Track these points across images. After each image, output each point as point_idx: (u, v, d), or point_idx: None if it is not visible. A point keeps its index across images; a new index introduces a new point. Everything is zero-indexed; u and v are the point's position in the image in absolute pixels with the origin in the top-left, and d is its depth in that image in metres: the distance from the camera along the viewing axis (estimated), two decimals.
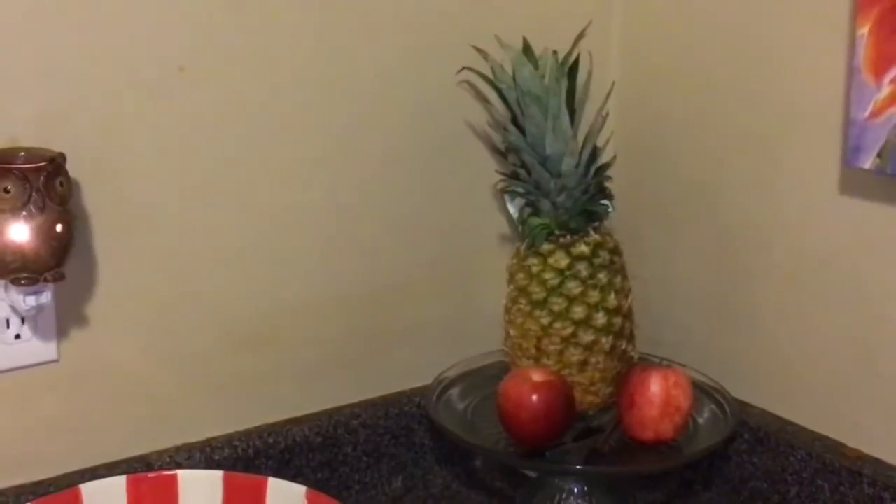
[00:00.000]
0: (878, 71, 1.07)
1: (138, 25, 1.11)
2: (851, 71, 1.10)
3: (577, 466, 1.19)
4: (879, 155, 1.09)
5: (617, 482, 1.26)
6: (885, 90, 1.07)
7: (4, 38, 1.05)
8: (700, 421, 1.26)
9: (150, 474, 1.12)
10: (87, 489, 1.07)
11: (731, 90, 1.28)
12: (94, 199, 1.11)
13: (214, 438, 1.22)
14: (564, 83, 1.21)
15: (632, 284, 1.29)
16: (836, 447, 1.20)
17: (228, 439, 1.22)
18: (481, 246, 1.37)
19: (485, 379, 1.31)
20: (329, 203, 1.27)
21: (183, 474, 1.12)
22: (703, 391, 1.29)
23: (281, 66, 1.21)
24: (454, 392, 1.32)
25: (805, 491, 1.21)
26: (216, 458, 1.20)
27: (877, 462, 1.16)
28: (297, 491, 1.10)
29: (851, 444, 1.20)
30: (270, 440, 1.24)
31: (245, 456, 1.22)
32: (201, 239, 1.20)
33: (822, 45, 1.15)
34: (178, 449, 1.20)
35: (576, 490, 1.24)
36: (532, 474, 1.29)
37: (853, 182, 1.15)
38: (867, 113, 1.09)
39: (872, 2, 1.07)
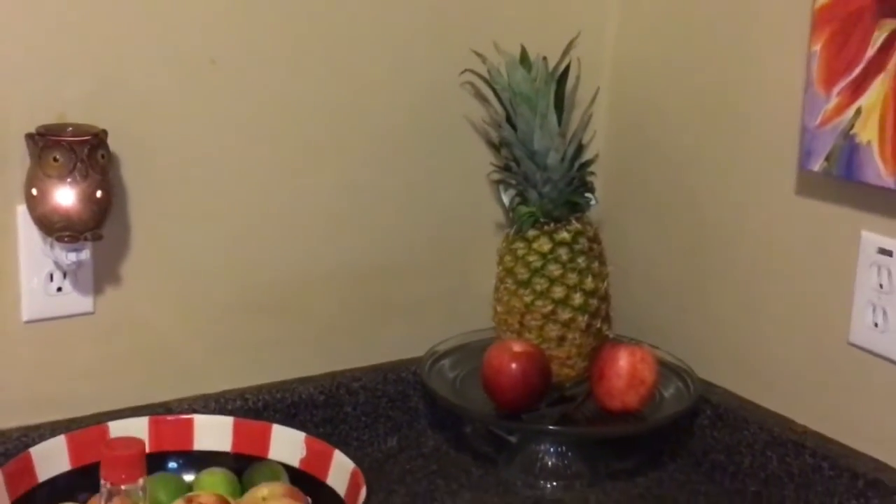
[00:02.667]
0: (828, 84, 1.20)
1: (176, 20, 1.26)
2: (806, 83, 1.23)
3: (550, 427, 1.33)
4: (827, 159, 1.22)
5: (588, 447, 1.39)
6: (833, 101, 1.20)
7: (56, 28, 1.20)
8: (666, 395, 1.40)
9: (170, 417, 1.27)
10: (115, 426, 1.22)
11: (708, 98, 1.41)
12: (132, 171, 1.26)
13: (228, 391, 1.37)
14: (553, 86, 1.35)
15: (614, 273, 1.43)
16: (785, 422, 1.33)
17: (241, 393, 1.37)
18: (477, 231, 1.50)
19: (474, 352, 1.44)
20: (340, 186, 1.41)
21: (198, 418, 1.27)
22: (671, 370, 1.42)
23: (301, 62, 1.35)
24: (446, 363, 1.46)
25: (756, 462, 1.34)
26: (229, 408, 1.34)
27: (819, 436, 1.29)
28: (298, 436, 1.24)
29: (800, 420, 1.32)
30: (278, 395, 1.38)
31: (255, 408, 1.36)
32: (225, 213, 1.34)
33: (789, 59, 1.28)
34: (195, 398, 1.34)
35: (551, 452, 1.38)
36: (513, 439, 1.42)
37: (807, 183, 1.28)
38: (818, 121, 1.22)
39: (824, 23, 1.20)
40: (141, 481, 0.91)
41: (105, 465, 0.89)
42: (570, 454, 1.38)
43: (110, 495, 0.90)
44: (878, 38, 1.14)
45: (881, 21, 1.14)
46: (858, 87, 1.17)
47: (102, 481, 0.90)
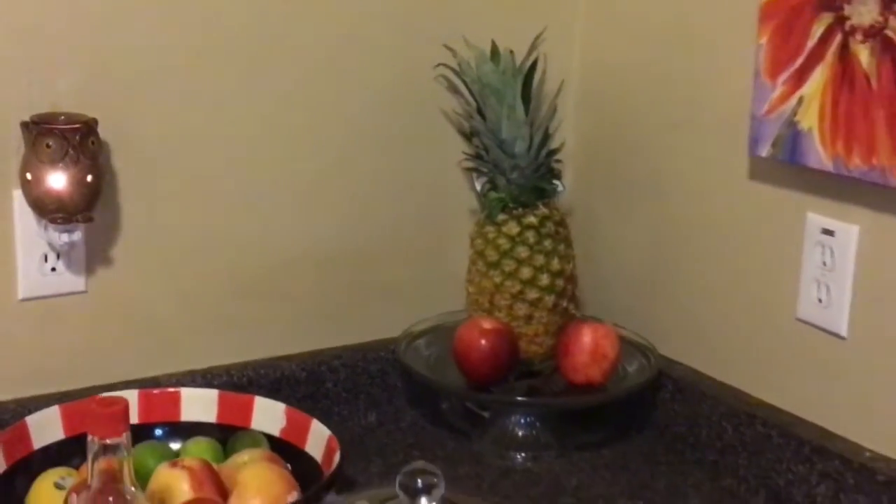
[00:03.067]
0: (773, 74, 1.28)
1: (164, 14, 1.34)
2: (754, 73, 1.31)
3: (518, 398, 1.41)
4: (774, 145, 1.29)
5: (555, 419, 1.47)
6: (779, 90, 1.28)
7: (49, 22, 1.28)
8: (630, 370, 1.48)
9: (157, 390, 1.35)
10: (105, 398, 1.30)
11: (669, 89, 1.48)
12: (121, 158, 1.35)
13: (215, 367, 1.45)
14: (520, 79, 1.43)
15: (581, 256, 1.51)
16: (739, 395, 1.41)
17: (227, 369, 1.45)
18: (451, 216, 1.58)
19: (448, 332, 1.51)
20: (321, 174, 1.49)
21: (185, 391, 1.35)
22: (635, 347, 1.50)
23: (281, 55, 1.43)
24: (421, 342, 1.53)
25: (714, 432, 1.41)
26: (215, 383, 1.42)
27: (769, 406, 1.37)
28: (279, 407, 1.32)
29: (752, 392, 1.40)
30: (262, 372, 1.46)
31: (240, 384, 1.44)
32: (210, 197, 1.42)
33: (740, 51, 1.35)
34: (183, 374, 1.42)
35: (521, 424, 1.45)
36: (486, 415, 1.50)
37: (757, 168, 1.36)
38: (765, 109, 1.30)
39: (770, 17, 1.28)
40: (124, 436, 0.98)
41: (91, 421, 0.97)
42: (538, 427, 1.46)
43: (96, 451, 0.98)
44: (818, 30, 1.22)
45: (820, 15, 1.21)
46: (801, 77, 1.25)
47: (89, 437, 0.98)
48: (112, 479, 0.98)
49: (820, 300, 1.29)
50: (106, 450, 0.97)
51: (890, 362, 1.23)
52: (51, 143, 1.23)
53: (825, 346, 1.30)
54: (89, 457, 0.98)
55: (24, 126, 1.25)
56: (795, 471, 1.31)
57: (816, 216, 1.29)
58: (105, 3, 1.31)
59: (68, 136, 1.24)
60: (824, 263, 1.28)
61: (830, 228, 1.28)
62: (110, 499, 0.98)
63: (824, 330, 1.30)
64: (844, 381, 1.29)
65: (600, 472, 1.42)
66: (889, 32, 1.15)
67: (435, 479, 1.00)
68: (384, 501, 1.01)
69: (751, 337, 1.40)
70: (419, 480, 1.00)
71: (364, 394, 1.55)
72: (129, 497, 0.99)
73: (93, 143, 1.26)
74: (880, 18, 1.15)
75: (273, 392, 1.44)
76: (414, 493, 0.99)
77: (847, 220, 1.26)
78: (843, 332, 1.28)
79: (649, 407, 1.50)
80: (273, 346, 1.49)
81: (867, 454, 1.25)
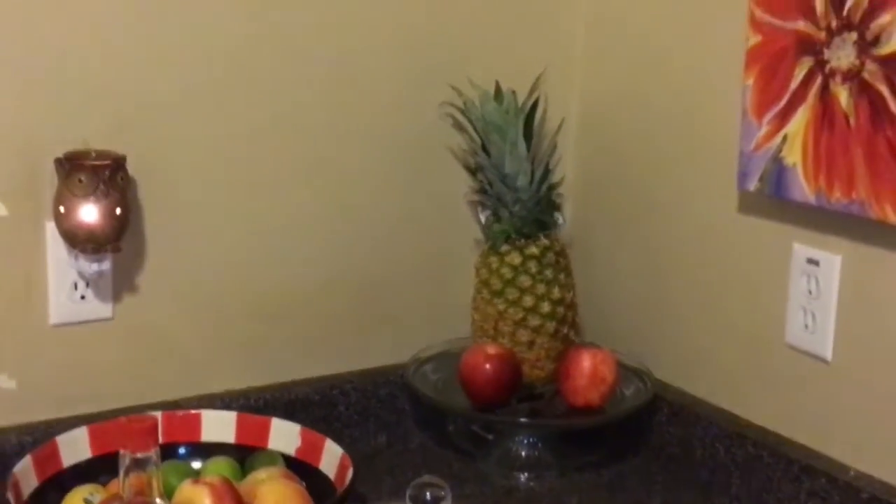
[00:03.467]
0: (759, 113, 1.36)
1: (187, 60, 1.43)
2: (742, 112, 1.39)
3: (521, 419, 1.48)
4: (761, 179, 1.37)
5: (556, 440, 1.53)
6: (764, 129, 1.35)
7: (81, 65, 1.37)
8: (627, 393, 1.54)
9: (180, 412, 1.42)
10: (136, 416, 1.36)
11: (663, 127, 1.56)
12: (148, 192, 1.43)
13: (233, 391, 1.52)
14: (522, 117, 1.51)
15: (580, 285, 1.59)
16: (731, 417, 1.47)
17: (244, 393, 1.52)
18: (457, 247, 1.66)
19: (454, 358, 1.57)
20: (335, 207, 1.57)
21: (206, 413, 1.42)
22: (631, 372, 1.57)
23: (300, 95, 1.51)
24: (429, 367, 1.60)
25: (707, 453, 1.48)
26: (233, 406, 1.48)
27: (759, 428, 1.44)
28: (294, 428, 1.39)
29: (743, 414, 1.47)
30: (278, 395, 1.53)
31: (256, 406, 1.51)
32: (231, 229, 1.50)
33: (729, 91, 1.42)
34: (202, 397, 1.49)
35: (524, 445, 1.52)
36: (490, 437, 1.57)
37: (745, 202, 1.44)
38: (752, 146, 1.37)
39: (755, 60, 1.36)
40: (154, 451, 1.05)
41: (123, 435, 1.04)
42: (540, 447, 1.53)
43: (128, 465, 1.05)
44: (800, 73, 1.30)
45: (802, 58, 1.30)
46: (785, 116, 1.32)
47: (121, 452, 1.05)
48: (142, 493, 1.05)
49: (806, 326, 1.37)
50: (137, 464, 1.04)
51: (873, 384, 1.30)
52: (83, 178, 1.31)
53: (812, 370, 1.37)
54: (121, 471, 1.04)
55: (58, 162, 1.33)
56: (785, 489, 1.37)
57: (802, 247, 1.37)
58: (134, 46, 1.40)
59: (99, 172, 1.32)
60: (810, 292, 1.36)
61: (815, 258, 1.35)
62: None
63: (811, 354, 1.37)
64: (830, 403, 1.35)
65: (599, 492, 1.49)
66: (866, 75, 1.23)
67: (443, 493, 1.07)
68: None
69: (741, 361, 1.47)
70: (428, 493, 1.07)
71: (374, 416, 1.62)
72: None
73: (122, 178, 1.34)
74: (857, 62, 1.23)
75: (288, 415, 1.49)
76: None
77: (831, 250, 1.33)
78: (829, 356, 1.35)
79: (645, 429, 1.57)
80: (288, 371, 1.56)
81: (852, 473, 1.31)
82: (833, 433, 1.35)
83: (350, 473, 1.27)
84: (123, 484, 1.05)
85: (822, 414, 1.37)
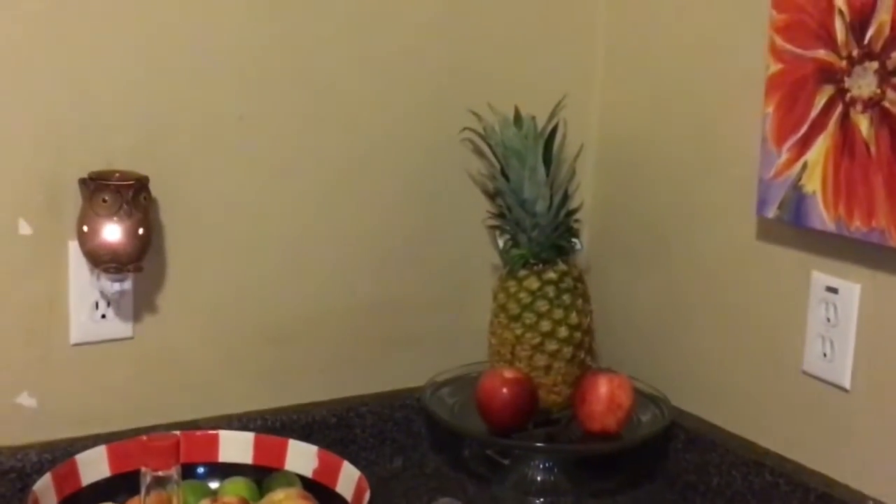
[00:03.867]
0: (779, 141, 1.37)
1: (209, 83, 1.44)
2: (761, 140, 1.39)
3: (537, 444, 1.48)
4: (780, 207, 1.38)
5: (572, 466, 1.54)
6: (784, 156, 1.36)
7: (106, 90, 1.38)
8: (643, 420, 1.55)
9: (198, 432, 1.42)
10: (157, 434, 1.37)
11: (681, 153, 1.57)
12: (169, 213, 1.44)
13: (250, 412, 1.52)
14: (542, 143, 1.52)
15: (598, 311, 1.59)
16: (748, 445, 1.47)
17: (261, 414, 1.53)
18: (475, 272, 1.67)
19: (471, 383, 1.58)
20: (353, 231, 1.58)
21: (223, 434, 1.42)
22: (648, 398, 1.57)
23: (318, 121, 1.52)
24: (445, 391, 1.61)
25: (723, 480, 1.48)
26: (250, 427, 1.49)
27: (777, 456, 1.43)
28: (311, 449, 1.40)
29: (760, 442, 1.47)
30: (294, 417, 1.54)
31: (273, 428, 1.51)
32: (250, 252, 1.51)
33: (748, 120, 1.43)
34: (220, 418, 1.50)
35: (539, 470, 1.52)
36: (506, 462, 1.57)
37: (764, 229, 1.44)
38: (771, 174, 1.38)
39: (775, 88, 1.36)
40: (175, 470, 1.06)
41: (144, 454, 1.04)
42: (556, 472, 1.53)
43: (150, 483, 1.06)
44: (820, 101, 1.31)
45: (822, 87, 1.30)
46: (805, 144, 1.33)
47: (143, 470, 1.05)
48: None
49: (825, 354, 1.37)
50: (158, 482, 1.05)
51: (891, 413, 1.30)
52: (106, 198, 1.32)
53: (830, 399, 1.37)
54: (142, 488, 1.05)
55: (82, 182, 1.35)
56: None
57: (821, 275, 1.37)
58: (158, 68, 1.41)
59: (122, 192, 1.33)
60: (828, 320, 1.36)
61: (834, 286, 1.35)
62: None
63: (829, 383, 1.37)
64: (848, 432, 1.35)
65: None
66: (887, 104, 1.23)
67: None
68: None
69: (759, 389, 1.47)
70: None
71: (390, 440, 1.62)
72: None
73: (145, 198, 1.35)
74: (878, 91, 1.24)
75: (304, 437, 1.50)
76: None
77: (850, 278, 1.34)
78: (847, 384, 1.35)
79: (662, 456, 1.57)
80: (305, 394, 1.57)
81: (870, 502, 1.31)
82: (851, 461, 1.35)
83: (367, 496, 1.27)
84: (144, 502, 1.06)
85: (840, 442, 1.37)
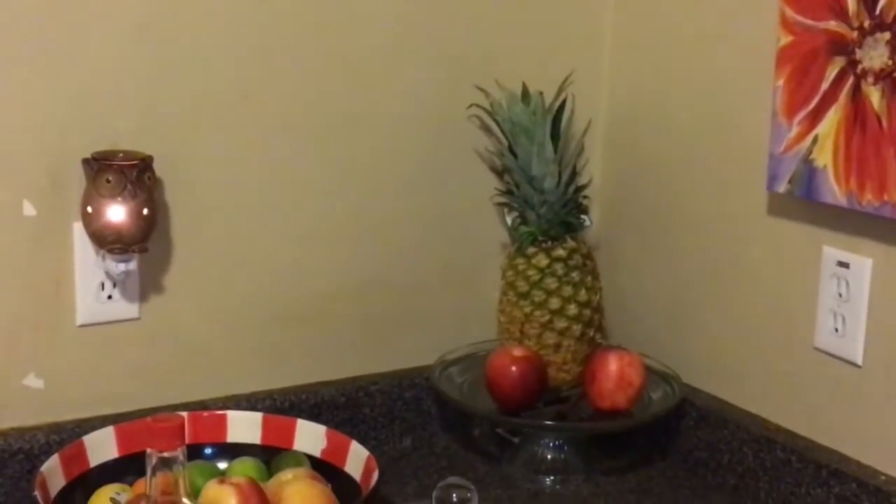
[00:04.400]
0: (790, 114, 1.35)
1: (213, 62, 1.43)
2: (772, 114, 1.38)
3: (547, 422, 1.47)
4: (790, 182, 1.36)
5: (582, 444, 1.53)
6: (794, 130, 1.34)
7: (110, 69, 1.37)
8: (654, 397, 1.54)
9: (206, 413, 1.42)
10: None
11: (690, 129, 1.56)
12: (174, 193, 1.43)
13: (258, 392, 1.52)
14: (549, 119, 1.51)
15: (607, 288, 1.58)
16: (760, 421, 1.46)
17: (270, 394, 1.52)
18: (483, 250, 1.65)
19: (480, 361, 1.57)
20: (360, 209, 1.57)
21: (231, 414, 1.42)
22: (659, 376, 1.56)
23: (324, 99, 1.51)
24: (454, 370, 1.60)
25: (735, 457, 1.47)
26: (259, 407, 1.48)
27: (788, 432, 1.42)
28: (319, 429, 1.39)
29: (772, 418, 1.46)
30: (303, 397, 1.53)
31: (282, 408, 1.51)
32: (257, 232, 1.50)
33: (758, 93, 1.41)
34: (228, 398, 1.49)
35: (550, 448, 1.52)
36: (515, 440, 1.57)
37: (775, 204, 1.43)
38: (781, 148, 1.36)
39: (786, 60, 1.35)
40: (181, 451, 1.05)
41: (150, 435, 1.04)
42: (566, 451, 1.52)
43: (155, 464, 1.05)
44: (831, 73, 1.29)
45: (833, 59, 1.29)
46: (815, 117, 1.31)
47: (148, 451, 1.05)
48: (168, 492, 1.05)
49: (836, 330, 1.35)
50: (163, 463, 1.05)
51: None
52: (110, 178, 1.31)
53: (841, 374, 1.36)
54: (148, 470, 1.05)
55: (86, 162, 1.34)
56: (813, 494, 1.36)
57: (832, 249, 1.36)
58: (162, 48, 1.40)
59: (126, 172, 1.32)
60: (840, 295, 1.35)
61: (845, 261, 1.34)
62: None
63: (840, 358, 1.36)
64: (860, 407, 1.34)
65: (625, 496, 1.48)
66: None
67: (469, 494, 1.07)
68: None
69: (770, 365, 1.46)
70: (454, 494, 1.07)
71: (399, 419, 1.61)
72: None
73: (149, 178, 1.34)
74: (890, 62, 1.22)
75: (313, 416, 1.49)
76: None
77: (861, 253, 1.32)
78: (859, 360, 1.33)
79: (673, 433, 1.56)
80: (313, 373, 1.56)
81: (882, 477, 1.30)
82: (863, 437, 1.34)
83: (375, 475, 1.27)
84: (150, 483, 1.05)
85: (852, 418, 1.35)
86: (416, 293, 1.63)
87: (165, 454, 1.04)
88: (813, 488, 1.36)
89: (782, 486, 1.40)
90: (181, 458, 1.05)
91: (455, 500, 1.06)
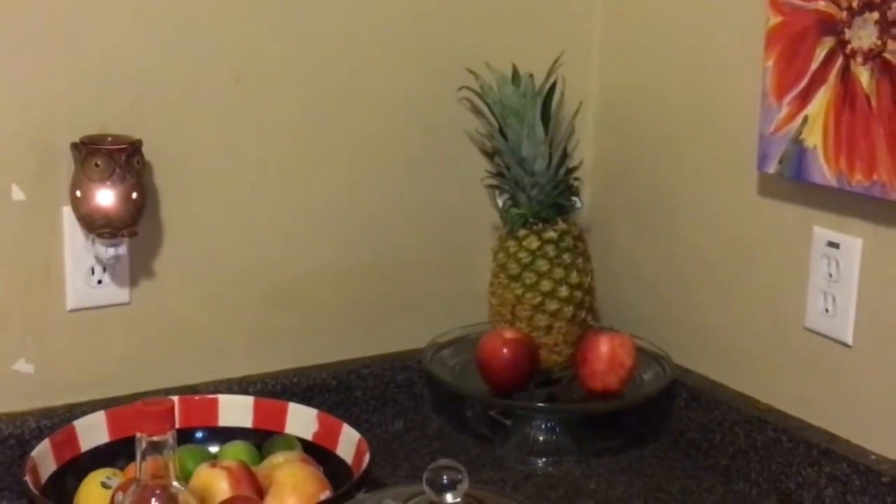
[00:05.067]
0: (779, 95, 1.35)
1: (203, 44, 1.43)
2: (762, 94, 1.37)
3: (538, 404, 1.47)
4: (780, 162, 1.36)
5: (574, 426, 1.53)
6: (784, 110, 1.34)
7: (98, 52, 1.37)
8: (646, 378, 1.54)
9: (197, 397, 1.42)
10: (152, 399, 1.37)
11: (681, 110, 1.55)
12: (163, 177, 1.43)
13: (250, 376, 1.52)
14: (540, 101, 1.50)
15: (599, 270, 1.58)
16: (751, 402, 1.46)
17: (262, 377, 1.52)
18: (474, 232, 1.65)
19: (471, 343, 1.57)
20: (351, 193, 1.56)
21: (223, 398, 1.42)
22: (651, 357, 1.56)
23: (314, 81, 1.51)
24: (446, 353, 1.60)
25: (726, 438, 1.47)
26: (250, 391, 1.48)
27: (779, 412, 1.43)
28: (311, 413, 1.39)
29: (763, 399, 1.46)
30: (295, 380, 1.53)
31: (274, 391, 1.51)
32: (249, 214, 1.50)
33: (748, 73, 1.41)
34: (220, 382, 1.49)
35: (542, 429, 1.52)
36: (507, 422, 1.57)
37: (765, 184, 1.43)
38: (772, 128, 1.36)
39: (775, 41, 1.34)
40: (170, 434, 1.05)
41: (139, 419, 1.04)
42: (558, 432, 1.52)
43: (145, 448, 1.05)
44: (820, 54, 1.29)
45: (822, 39, 1.28)
46: (805, 98, 1.31)
47: (138, 435, 1.05)
48: (158, 476, 1.05)
49: (826, 310, 1.36)
50: (153, 447, 1.05)
51: (893, 369, 1.29)
52: (99, 163, 1.31)
53: (832, 354, 1.36)
54: (137, 454, 1.05)
55: (74, 147, 1.33)
56: (804, 474, 1.36)
57: (822, 230, 1.36)
58: (151, 30, 1.39)
59: (115, 156, 1.32)
60: (830, 275, 1.35)
61: (836, 241, 1.34)
62: (157, 492, 1.05)
63: (831, 338, 1.36)
64: (850, 387, 1.34)
65: (617, 477, 1.48)
66: (888, 55, 1.21)
67: (459, 476, 1.06)
68: (411, 497, 1.06)
69: (761, 346, 1.46)
70: (444, 476, 1.06)
71: (391, 402, 1.61)
72: (174, 492, 1.06)
73: (138, 162, 1.34)
74: (879, 42, 1.22)
75: (305, 400, 1.49)
76: (440, 489, 1.05)
77: (851, 233, 1.32)
78: (849, 340, 1.34)
79: (664, 414, 1.56)
80: (305, 356, 1.56)
81: (873, 457, 1.30)
82: (853, 417, 1.34)
83: (367, 458, 1.27)
84: (140, 467, 1.05)
85: (843, 398, 1.36)
86: (407, 276, 1.62)
87: (155, 438, 1.04)
88: (804, 468, 1.36)
89: (773, 466, 1.40)
90: (171, 441, 1.05)
91: (446, 482, 1.06)
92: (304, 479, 1.25)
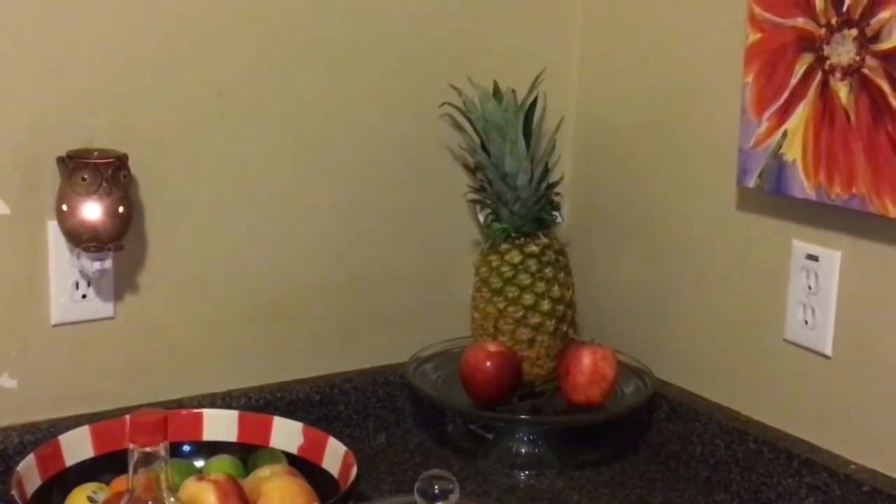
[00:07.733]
0: (759, 110, 1.37)
1: (187, 59, 1.43)
2: (741, 110, 1.40)
3: (521, 416, 1.48)
4: (760, 176, 1.38)
5: (556, 439, 1.54)
6: (764, 125, 1.36)
7: (84, 67, 1.37)
8: (627, 391, 1.55)
9: (182, 411, 1.42)
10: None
11: (660, 125, 1.57)
12: (149, 191, 1.43)
13: (234, 390, 1.52)
14: (522, 116, 1.52)
15: (580, 284, 1.59)
16: (732, 413, 1.48)
17: (245, 392, 1.52)
18: (456, 246, 1.67)
19: (454, 358, 1.58)
20: (334, 207, 1.57)
21: (207, 412, 1.42)
22: (631, 370, 1.58)
23: (298, 95, 1.52)
24: (429, 366, 1.61)
25: (707, 450, 1.49)
26: (234, 405, 1.49)
27: (759, 424, 1.44)
28: (296, 426, 1.40)
29: (743, 410, 1.48)
30: (278, 394, 1.53)
31: (257, 405, 1.51)
32: (232, 230, 1.50)
33: (727, 89, 1.43)
34: (204, 396, 1.49)
35: (524, 442, 1.53)
36: (489, 436, 1.58)
37: (744, 198, 1.45)
38: (751, 143, 1.38)
39: (755, 57, 1.37)
40: (163, 446, 1.05)
41: (132, 430, 1.03)
42: (541, 445, 1.53)
43: (137, 460, 1.05)
44: (799, 69, 1.31)
45: (801, 55, 1.31)
46: (784, 113, 1.34)
47: (130, 446, 1.05)
48: (151, 488, 1.05)
49: (806, 322, 1.38)
50: (146, 459, 1.04)
51: (872, 379, 1.31)
52: (86, 176, 1.31)
53: (811, 366, 1.38)
54: (130, 465, 1.04)
55: (61, 161, 1.33)
56: (785, 484, 1.38)
57: (801, 243, 1.38)
58: (138, 45, 1.40)
59: (102, 170, 1.32)
60: (809, 287, 1.37)
61: (815, 254, 1.36)
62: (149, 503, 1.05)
63: (810, 350, 1.38)
64: (830, 398, 1.36)
65: (599, 489, 1.49)
66: (866, 71, 1.24)
67: (451, 486, 1.07)
68: None
69: (741, 358, 1.48)
70: (436, 486, 1.07)
71: (374, 416, 1.62)
72: None
73: (124, 176, 1.34)
74: (857, 58, 1.25)
75: (288, 414, 1.50)
76: (431, 498, 1.06)
77: (830, 246, 1.34)
78: (828, 351, 1.36)
79: (645, 427, 1.58)
80: (288, 371, 1.56)
81: (852, 466, 1.32)
82: (833, 427, 1.36)
83: (354, 471, 1.27)
84: (132, 479, 1.05)
85: (823, 409, 1.38)
86: (390, 291, 1.63)
87: (148, 449, 1.04)
88: (784, 478, 1.38)
89: (754, 477, 1.42)
90: (163, 453, 1.05)
91: (437, 491, 1.07)
92: (293, 491, 1.26)
